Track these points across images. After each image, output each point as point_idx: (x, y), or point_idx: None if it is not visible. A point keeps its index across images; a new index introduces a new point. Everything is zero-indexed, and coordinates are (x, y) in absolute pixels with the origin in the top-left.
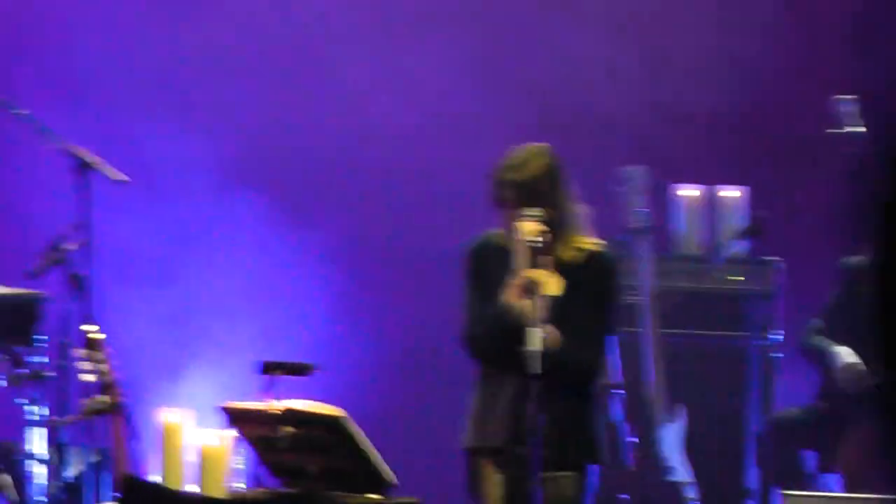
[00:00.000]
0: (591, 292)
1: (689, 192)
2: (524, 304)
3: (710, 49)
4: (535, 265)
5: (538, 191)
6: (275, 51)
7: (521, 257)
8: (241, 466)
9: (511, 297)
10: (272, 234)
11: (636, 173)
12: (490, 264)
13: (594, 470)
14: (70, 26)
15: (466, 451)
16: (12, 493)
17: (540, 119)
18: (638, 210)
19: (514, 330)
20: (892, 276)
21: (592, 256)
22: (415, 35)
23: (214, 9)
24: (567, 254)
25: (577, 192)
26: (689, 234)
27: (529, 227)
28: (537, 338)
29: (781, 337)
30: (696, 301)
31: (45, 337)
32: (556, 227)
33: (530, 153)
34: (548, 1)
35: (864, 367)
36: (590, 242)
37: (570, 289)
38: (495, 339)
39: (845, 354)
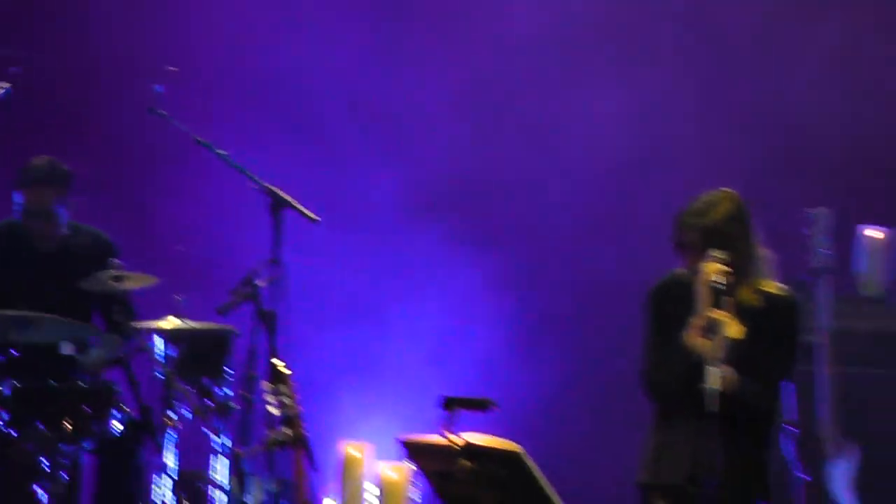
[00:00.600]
0: (772, 336)
1: (874, 233)
2: (705, 344)
3: None
4: (717, 306)
5: (723, 234)
6: (460, 84)
7: (704, 298)
8: (418, 499)
9: (693, 337)
10: (459, 265)
11: (822, 214)
12: (674, 304)
13: None
14: (263, 73)
15: (641, 488)
16: None
17: (739, 154)
18: (821, 251)
19: (695, 371)
20: None
21: (774, 300)
22: (598, 72)
23: (397, 49)
24: (749, 297)
25: (762, 236)
26: (871, 275)
27: (713, 269)
28: (717, 377)
29: None
30: (877, 341)
31: (232, 370)
32: (740, 270)
33: (717, 198)
34: (753, 38)
35: None
36: (772, 286)
37: (751, 332)
38: (677, 382)
39: None
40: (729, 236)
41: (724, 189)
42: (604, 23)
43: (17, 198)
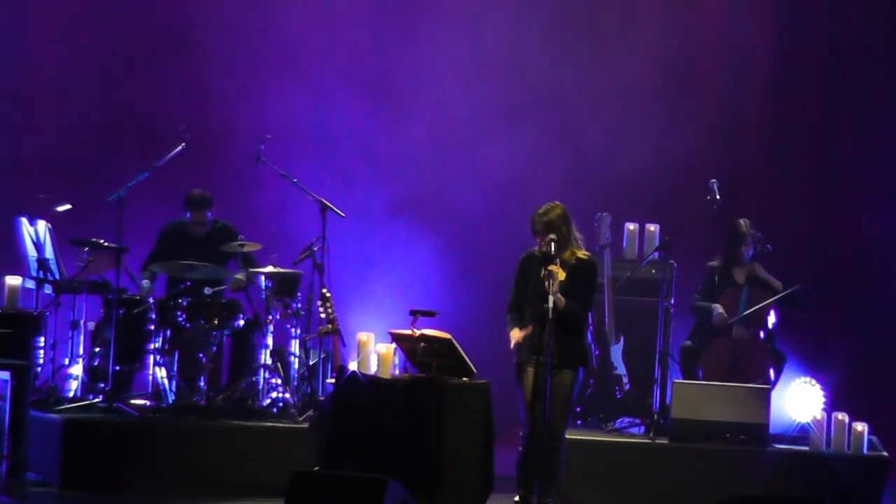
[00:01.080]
0: (582, 280)
1: (632, 226)
2: (549, 284)
3: None
4: (552, 263)
5: (554, 225)
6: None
7: (545, 260)
8: (397, 363)
9: (544, 281)
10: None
11: (605, 215)
12: (529, 266)
13: (581, 370)
14: (319, 100)
15: (517, 363)
16: None
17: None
18: (605, 236)
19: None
20: None
21: (582, 261)
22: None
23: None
24: (569, 258)
25: (576, 226)
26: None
27: (549, 244)
28: (553, 300)
29: None
30: (631, 282)
31: (299, 294)
32: (563, 244)
33: (552, 205)
34: None
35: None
36: (582, 253)
37: (570, 277)
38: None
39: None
40: (558, 226)
41: (555, 201)
42: None
43: (186, 214)
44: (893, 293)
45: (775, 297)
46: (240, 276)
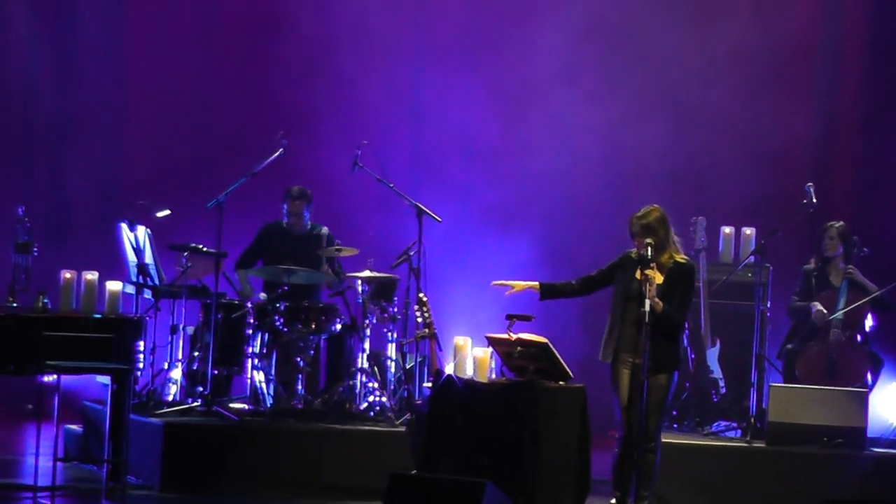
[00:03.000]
0: (679, 284)
1: (728, 230)
2: (646, 288)
3: None
4: (649, 267)
5: (653, 228)
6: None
7: (643, 263)
8: (494, 366)
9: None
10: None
11: (701, 220)
12: (626, 268)
13: (676, 374)
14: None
15: (611, 362)
16: None
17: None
18: (701, 239)
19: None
20: None
21: (679, 265)
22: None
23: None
24: (666, 262)
25: (674, 230)
26: (727, 250)
27: (647, 248)
28: (650, 304)
29: None
30: (727, 286)
31: (396, 298)
32: (661, 248)
33: (651, 208)
34: None
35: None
36: (679, 256)
37: (667, 281)
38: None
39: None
40: (656, 230)
41: (654, 204)
42: None
43: (283, 207)
44: None
45: (866, 299)
46: (329, 280)
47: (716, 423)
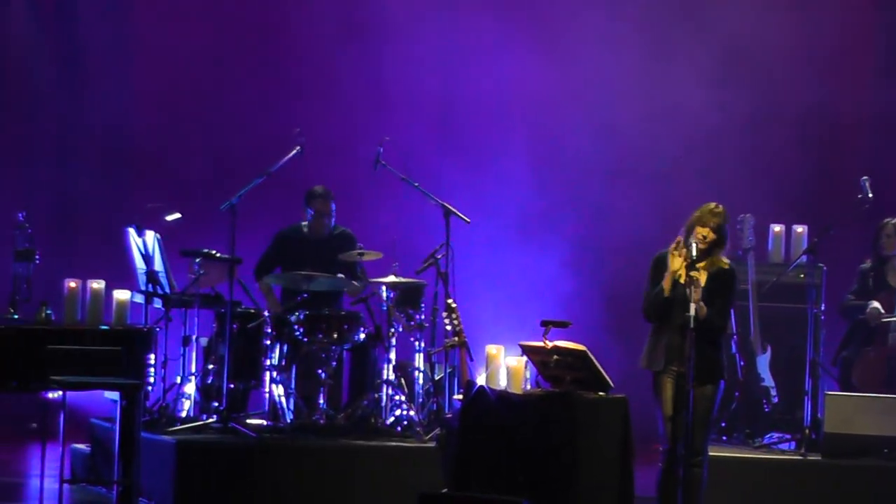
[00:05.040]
0: (721, 288)
1: (777, 228)
2: (690, 291)
3: None
4: (694, 269)
5: (721, 228)
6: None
7: (688, 265)
8: (528, 377)
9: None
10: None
11: (749, 217)
12: (662, 268)
13: (722, 383)
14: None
15: (654, 372)
16: None
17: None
18: (749, 238)
19: (671, 305)
20: None
21: (722, 269)
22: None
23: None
24: (713, 265)
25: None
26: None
27: (694, 250)
28: (695, 308)
29: None
30: (778, 287)
31: (423, 305)
32: (705, 252)
33: (720, 206)
34: None
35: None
36: (723, 261)
37: (710, 284)
38: (656, 313)
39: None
40: (724, 230)
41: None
42: None
43: (308, 210)
44: None
45: None
46: (352, 287)
47: (767, 435)
